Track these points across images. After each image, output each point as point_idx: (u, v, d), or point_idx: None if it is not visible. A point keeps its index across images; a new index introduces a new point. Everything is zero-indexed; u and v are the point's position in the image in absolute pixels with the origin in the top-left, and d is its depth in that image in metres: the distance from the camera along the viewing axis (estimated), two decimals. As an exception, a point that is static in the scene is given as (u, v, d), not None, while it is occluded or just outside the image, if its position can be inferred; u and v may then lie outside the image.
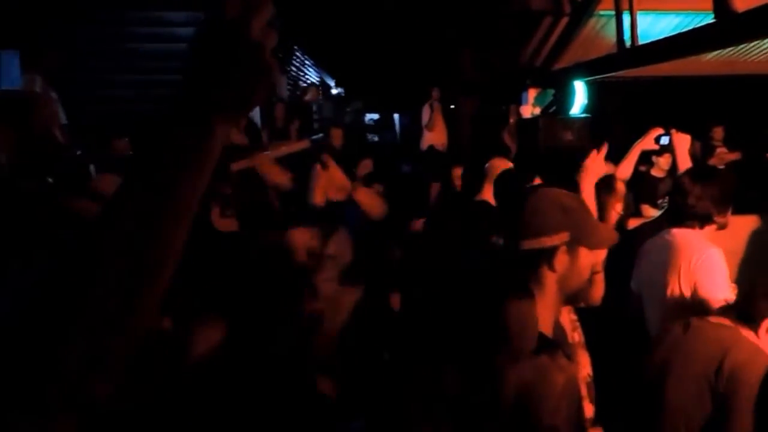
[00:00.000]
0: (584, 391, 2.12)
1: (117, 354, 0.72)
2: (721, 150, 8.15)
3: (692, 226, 2.72)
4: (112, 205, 0.73)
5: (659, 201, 6.03)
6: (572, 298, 1.75)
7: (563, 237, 1.66)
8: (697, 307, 2.52)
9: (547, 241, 1.65)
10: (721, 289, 2.54)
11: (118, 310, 0.70)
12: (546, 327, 1.67)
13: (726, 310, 2.23)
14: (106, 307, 0.70)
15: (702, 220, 2.71)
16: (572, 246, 1.67)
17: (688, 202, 2.72)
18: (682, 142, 3.68)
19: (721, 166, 8.09)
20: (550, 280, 1.67)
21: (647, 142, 3.93)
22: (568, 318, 2.28)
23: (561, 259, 1.66)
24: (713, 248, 2.65)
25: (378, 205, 3.57)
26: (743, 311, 2.15)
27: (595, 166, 3.03)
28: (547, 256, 1.66)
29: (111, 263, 0.70)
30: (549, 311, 1.69)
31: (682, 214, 2.76)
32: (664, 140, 4.07)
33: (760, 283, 2.16)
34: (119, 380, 0.74)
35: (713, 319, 2.21)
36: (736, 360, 2.06)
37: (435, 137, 8.95)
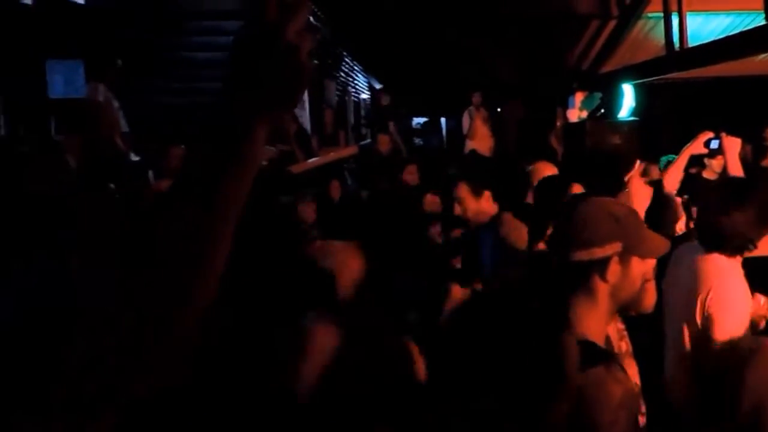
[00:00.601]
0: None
1: (156, 363, 0.73)
2: (774, 151, 7.96)
3: (729, 255, 2.43)
4: (155, 214, 0.75)
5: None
6: (624, 307, 1.72)
7: (616, 247, 1.62)
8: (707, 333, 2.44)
9: (599, 252, 1.62)
10: (732, 327, 2.40)
11: (149, 324, 0.71)
12: (599, 338, 1.66)
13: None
14: (129, 319, 0.71)
15: (739, 249, 2.42)
16: (624, 256, 1.63)
17: (718, 230, 2.41)
18: (733, 145, 3.56)
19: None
20: (603, 290, 1.64)
21: (696, 147, 3.81)
22: (615, 327, 2.27)
23: (613, 270, 1.62)
24: (733, 280, 2.41)
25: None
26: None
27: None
28: (600, 266, 1.62)
29: (148, 275, 0.72)
30: (601, 322, 1.67)
31: (716, 241, 2.45)
32: (714, 144, 3.99)
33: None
34: (161, 382, 0.75)
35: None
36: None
37: (477, 143, 8.91)
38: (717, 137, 3.74)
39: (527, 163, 4.61)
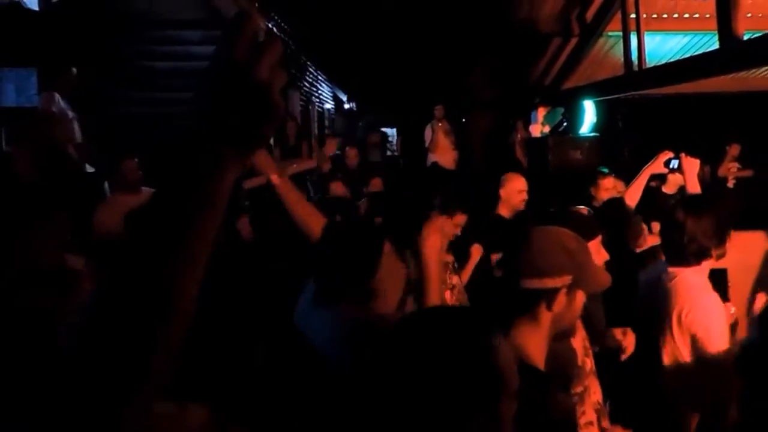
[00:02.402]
0: (593, 417, 2.15)
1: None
2: (732, 165, 8.14)
3: (689, 264, 2.58)
4: (122, 249, 0.74)
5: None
6: (560, 334, 1.75)
7: (566, 280, 1.66)
8: (698, 352, 2.48)
9: (551, 283, 1.66)
10: (719, 340, 2.47)
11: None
12: (539, 361, 1.68)
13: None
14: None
15: (698, 257, 2.58)
16: (572, 288, 1.68)
17: (682, 241, 2.57)
18: (692, 165, 3.64)
19: (732, 181, 8.09)
20: (546, 318, 1.68)
21: (656, 166, 3.90)
22: (581, 344, 2.30)
23: (560, 300, 1.67)
24: (707, 296, 2.54)
25: None
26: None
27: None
28: (548, 296, 1.67)
29: (115, 314, 0.71)
30: (541, 346, 1.70)
31: (677, 253, 2.61)
32: (674, 163, 4.07)
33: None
34: None
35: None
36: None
37: (439, 156, 8.92)
38: (677, 157, 3.81)
39: (495, 173, 4.65)
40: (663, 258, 2.81)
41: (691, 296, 2.47)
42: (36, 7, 5.56)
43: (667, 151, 4.01)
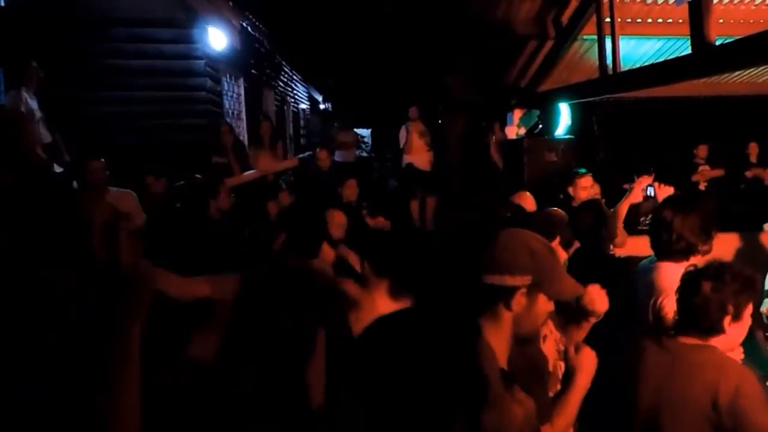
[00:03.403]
0: None
1: None
2: (703, 167, 8.26)
3: (677, 260, 2.66)
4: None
5: (641, 219, 6.09)
6: (522, 339, 1.75)
7: (525, 280, 1.67)
8: None
9: (509, 280, 1.67)
10: None
11: None
12: (501, 360, 1.69)
13: (688, 326, 2.19)
14: None
15: (686, 253, 2.66)
16: (532, 290, 1.68)
17: (670, 238, 2.67)
18: (665, 193, 3.74)
19: (704, 183, 8.22)
20: (506, 317, 1.69)
21: (635, 196, 3.92)
22: (554, 348, 2.31)
23: (518, 300, 1.67)
24: None
25: None
26: (705, 324, 2.14)
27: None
28: (506, 294, 1.67)
29: None
30: (503, 345, 1.71)
31: (666, 249, 2.70)
32: (649, 191, 4.22)
33: (710, 292, 2.12)
34: None
35: (689, 341, 2.17)
36: (728, 391, 2.03)
37: (413, 157, 8.90)
38: (651, 185, 3.93)
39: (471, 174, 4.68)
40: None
41: (671, 283, 2.50)
42: (1, 3, 5.40)
43: (644, 177, 4.07)
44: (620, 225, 3.76)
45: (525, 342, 1.79)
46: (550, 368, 2.23)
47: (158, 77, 6.95)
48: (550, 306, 1.75)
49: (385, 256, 2.68)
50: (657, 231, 2.75)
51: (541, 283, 1.69)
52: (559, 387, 2.22)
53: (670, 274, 2.57)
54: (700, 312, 2.17)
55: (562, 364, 2.29)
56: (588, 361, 2.06)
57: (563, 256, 2.54)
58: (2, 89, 5.95)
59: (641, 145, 8.72)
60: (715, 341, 2.16)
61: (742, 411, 2.02)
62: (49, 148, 5.53)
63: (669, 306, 2.46)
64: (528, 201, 4.43)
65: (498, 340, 1.69)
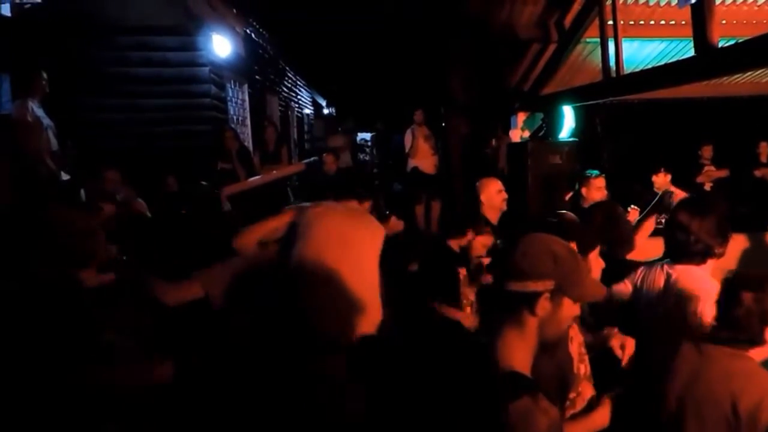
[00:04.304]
0: None
1: None
2: (708, 168, 8.26)
3: (695, 262, 2.67)
4: None
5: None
6: (546, 346, 1.74)
7: (548, 285, 1.67)
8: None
9: (532, 286, 1.67)
10: None
11: None
12: (525, 367, 1.69)
13: (731, 335, 2.16)
14: None
15: (703, 255, 2.66)
16: (556, 294, 1.68)
17: (686, 239, 2.66)
18: (678, 197, 3.69)
19: (709, 184, 8.21)
20: (531, 323, 1.69)
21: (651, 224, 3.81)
22: (577, 350, 2.30)
23: (543, 305, 1.67)
24: (711, 285, 2.51)
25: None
26: (745, 336, 2.12)
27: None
28: (530, 300, 1.67)
29: None
30: (528, 353, 1.71)
31: (682, 251, 2.69)
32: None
33: (752, 303, 2.11)
34: None
35: (727, 349, 2.15)
36: (752, 401, 2.02)
37: (419, 161, 8.92)
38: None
39: (474, 177, 4.72)
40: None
41: (702, 290, 2.50)
42: (8, 13, 5.44)
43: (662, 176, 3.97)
44: (645, 236, 3.62)
45: (554, 347, 1.79)
46: (575, 370, 2.23)
47: (163, 84, 7.00)
48: (576, 309, 1.75)
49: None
50: (673, 234, 2.73)
51: (564, 286, 1.69)
52: (581, 389, 2.23)
53: (697, 278, 2.60)
54: (742, 324, 2.15)
55: (583, 366, 2.30)
56: (604, 413, 2.08)
57: (601, 264, 2.51)
58: (9, 98, 6.02)
59: (645, 146, 8.73)
60: (753, 352, 2.16)
61: (762, 423, 2.01)
62: (56, 156, 5.58)
63: (707, 311, 2.43)
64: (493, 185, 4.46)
65: (522, 347, 1.69)
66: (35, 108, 5.50)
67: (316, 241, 1.40)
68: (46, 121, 5.56)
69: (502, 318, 1.72)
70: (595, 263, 2.44)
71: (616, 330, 2.55)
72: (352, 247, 1.40)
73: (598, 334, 2.50)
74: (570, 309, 1.72)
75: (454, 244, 3.97)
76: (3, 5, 5.27)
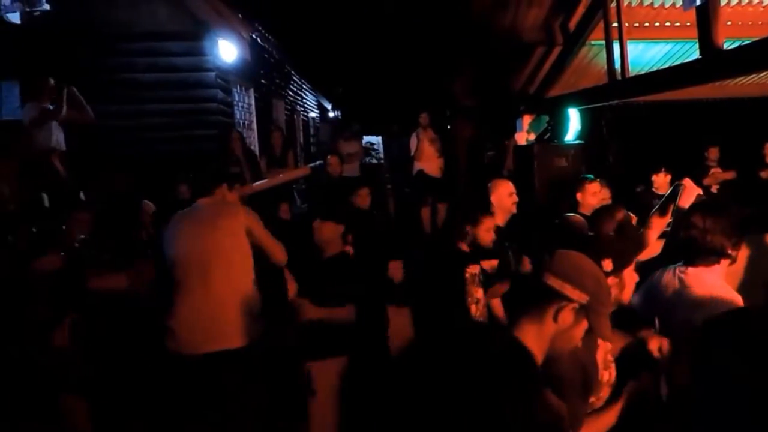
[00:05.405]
0: None
1: None
2: (715, 170, 8.23)
3: (707, 263, 2.64)
4: None
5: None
6: (548, 356, 1.76)
7: (582, 298, 1.71)
8: None
9: (569, 290, 1.71)
10: None
11: None
12: (537, 362, 1.72)
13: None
14: None
15: (717, 255, 2.63)
16: (580, 313, 1.72)
17: (700, 238, 2.64)
18: (690, 194, 3.63)
19: (716, 186, 8.19)
20: (548, 326, 1.73)
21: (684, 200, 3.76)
22: (603, 357, 2.31)
23: (566, 316, 1.71)
24: (730, 292, 2.58)
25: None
26: None
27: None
28: (559, 302, 1.71)
29: None
30: (540, 348, 1.74)
31: (696, 251, 2.66)
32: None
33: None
34: None
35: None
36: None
37: (424, 164, 8.93)
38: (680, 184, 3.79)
39: (482, 179, 4.69)
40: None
41: (714, 294, 2.50)
42: (18, 21, 5.49)
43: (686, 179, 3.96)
44: (654, 236, 3.56)
45: (547, 364, 1.80)
46: (600, 376, 2.24)
47: (170, 89, 7.04)
48: (579, 338, 1.79)
49: None
50: (688, 235, 2.71)
51: (591, 309, 1.73)
52: (605, 394, 2.24)
53: (710, 284, 2.59)
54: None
55: (607, 373, 2.30)
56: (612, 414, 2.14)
57: (635, 278, 2.52)
58: (19, 104, 6.08)
59: (651, 148, 8.72)
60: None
61: None
62: (64, 157, 5.65)
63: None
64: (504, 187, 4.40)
65: (536, 342, 1.73)
66: (44, 108, 5.56)
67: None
68: (54, 123, 5.63)
69: (523, 310, 1.76)
70: (630, 278, 2.43)
71: (653, 332, 2.54)
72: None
73: (634, 336, 2.50)
74: (580, 332, 1.76)
75: (463, 245, 3.90)
76: (13, 13, 5.31)
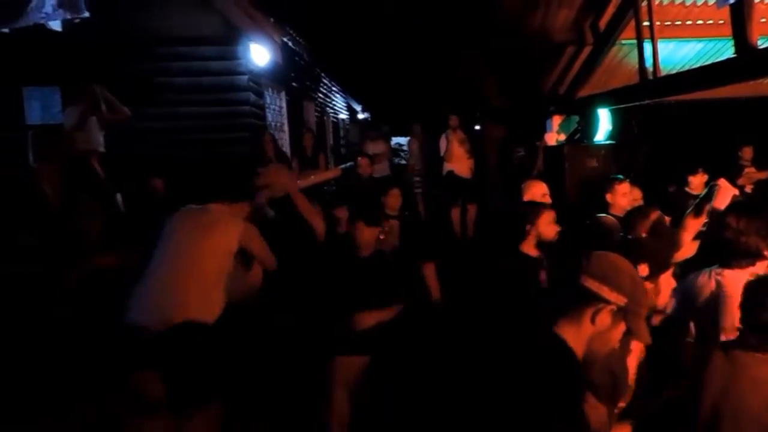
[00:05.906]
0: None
1: None
2: (749, 170, 8.10)
3: (742, 266, 2.63)
4: None
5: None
6: (583, 359, 1.74)
7: (620, 300, 1.69)
8: None
9: (606, 292, 1.69)
10: None
11: None
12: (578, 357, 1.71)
13: (759, 340, 2.14)
14: None
15: (752, 257, 2.62)
16: (618, 314, 1.70)
17: (735, 240, 2.63)
18: (727, 191, 3.58)
19: (750, 186, 8.05)
20: (586, 327, 1.70)
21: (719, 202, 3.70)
22: (636, 363, 2.30)
23: (604, 318, 1.69)
24: None
25: None
26: None
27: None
28: (598, 304, 1.69)
29: None
30: (579, 347, 1.72)
31: (731, 253, 2.65)
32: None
33: None
34: None
35: (757, 355, 2.11)
36: None
37: (454, 165, 8.95)
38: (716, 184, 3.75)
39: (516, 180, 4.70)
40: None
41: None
42: (59, 29, 5.66)
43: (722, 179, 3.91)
44: (688, 238, 3.49)
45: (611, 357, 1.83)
46: (629, 381, 2.23)
47: (204, 93, 7.18)
48: (616, 340, 1.77)
49: None
50: (723, 237, 2.70)
51: (629, 311, 1.71)
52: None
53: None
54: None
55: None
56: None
57: (673, 283, 2.51)
58: (60, 108, 6.25)
59: (683, 148, 8.62)
60: None
61: None
62: (103, 159, 5.81)
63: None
64: (538, 188, 4.35)
65: (575, 343, 1.72)
66: (85, 109, 5.72)
67: None
68: (95, 126, 5.79)
69: (561, 312, 1.74)
70: (666, 284, 2.42)
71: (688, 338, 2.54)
72: None
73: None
74: (617, 335, 1.74)
75: (529, 248, 3.64)
76: (54, 21, 5.48)
